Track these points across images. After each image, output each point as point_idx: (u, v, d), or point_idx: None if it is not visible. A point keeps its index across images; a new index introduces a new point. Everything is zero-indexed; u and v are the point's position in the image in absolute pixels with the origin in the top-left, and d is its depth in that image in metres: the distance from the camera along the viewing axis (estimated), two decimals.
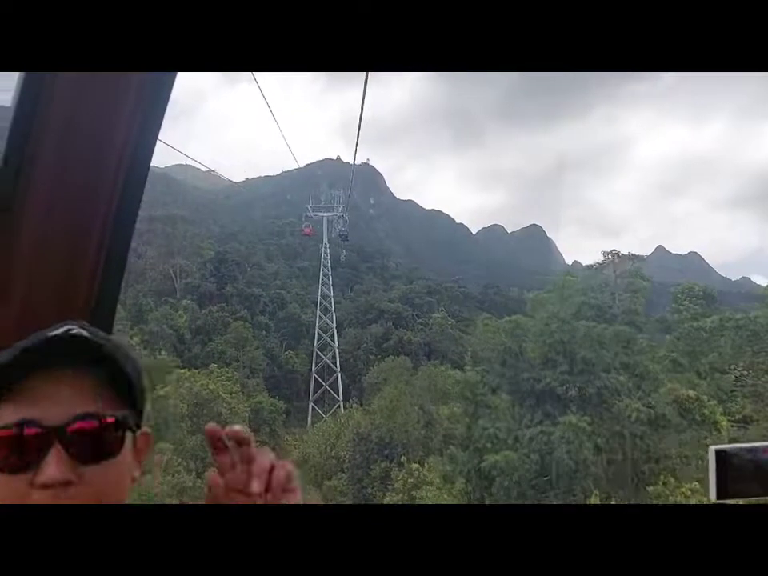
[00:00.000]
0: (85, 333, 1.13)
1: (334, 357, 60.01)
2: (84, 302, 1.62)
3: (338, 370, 58.61)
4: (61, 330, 1.12)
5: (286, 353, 59.80)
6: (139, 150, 1.66)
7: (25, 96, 1.51)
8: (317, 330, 61.75)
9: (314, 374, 58.91)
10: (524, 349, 30.89)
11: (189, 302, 58.72)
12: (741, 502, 2.23)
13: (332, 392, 57.87)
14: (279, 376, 57.43)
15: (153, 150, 1.74)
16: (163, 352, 46.00)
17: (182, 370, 40.58)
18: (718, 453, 2.34)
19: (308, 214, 76.57)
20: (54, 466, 1.03)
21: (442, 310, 71.66)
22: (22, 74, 1.50)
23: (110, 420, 1.10)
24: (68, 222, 1.59)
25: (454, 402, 35.93)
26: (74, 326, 1.14)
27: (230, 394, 38.76)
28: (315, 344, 60.83)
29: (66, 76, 1.50)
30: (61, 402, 1.07)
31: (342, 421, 41.59)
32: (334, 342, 60.88)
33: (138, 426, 1.16)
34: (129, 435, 1.13)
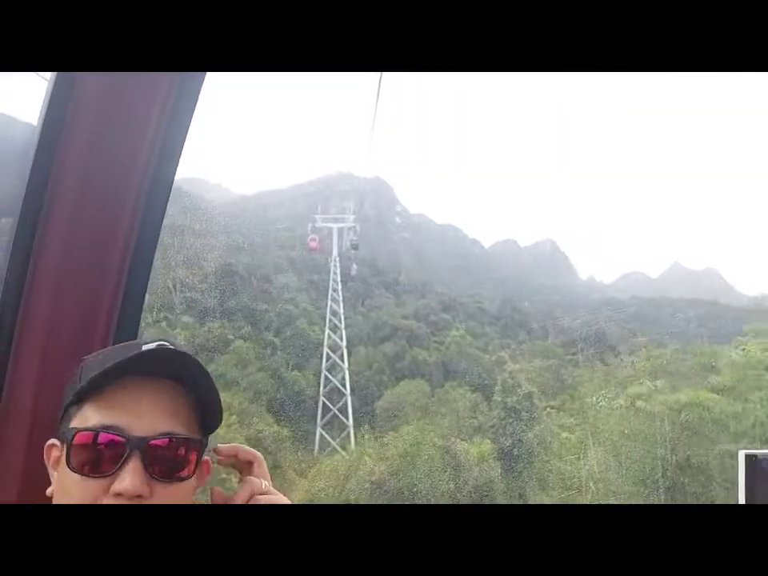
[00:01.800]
0: (177, 349, 1.16)
1: (343, 378, 54.14)
2: (107, 317, 1.61)
3: (348, 392, 52.70)
4: (154, 344, 1.16)
5: (293, 373, 53.98)
6: (162, 167, 1.65)
7: (51, 115, 1.51)
8: (325, 348, 55.88)
9: (323, 397, 53.04)
10: None
11: (188, 318, 53.16)
12: None
13: (341, 417, 51.93)
14: (285, 398, 51.62)
15: (176, 167, 1.70)
16: None
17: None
18: (748, 458, 2.32)
19: (315, 224, 70.97)
20: (131, 477, 1.05)
21: (460, 328, 65.70)
22: (48, 91, 1.52)
23: (190, 441, 1.13)
24: (91, 239, 1.61)
25: (482, 435, 30.68)
26: (167, 342, 1.18)
27: (227, 426, 33.18)
28: (324, 364, 54.96)
29: (90, 93, 1.52)
30: (145, 416, 1.10)
31: (354, 457, 35.65)
32: (343, 362, 55.00)
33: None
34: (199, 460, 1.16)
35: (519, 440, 35.09)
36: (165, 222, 1.82)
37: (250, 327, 54.68)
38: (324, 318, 60.70)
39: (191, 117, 1.70)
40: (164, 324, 49.89)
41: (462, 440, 33.64)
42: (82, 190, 1.59)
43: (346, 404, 52.37)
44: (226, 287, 60.20)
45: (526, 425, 37.58)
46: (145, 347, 1.14)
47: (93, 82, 1.53)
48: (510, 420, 38.34)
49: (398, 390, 47.92)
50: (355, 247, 70.06)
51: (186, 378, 1.14)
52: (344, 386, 53.52)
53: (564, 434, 38.51)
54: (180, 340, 50.24)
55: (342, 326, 58.99)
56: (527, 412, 39.54)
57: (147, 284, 1.75)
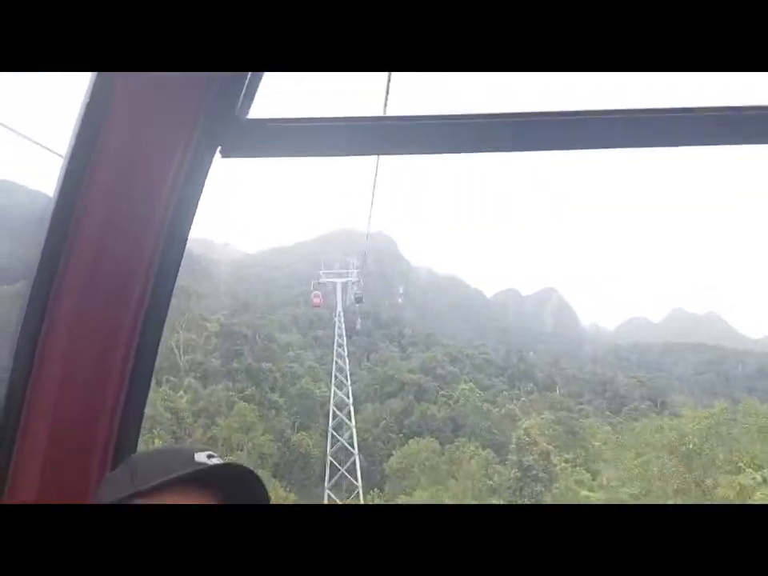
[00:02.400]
0: (226, 464, 1.19)
1: (351, 437, 51.96)
2: (119, 377, 1.64)
3: (356, 451, 50.45)
4: (204, 455, 1.19)
5: (299, 434, 51.93)
6: (176, 231, 1.68)
7: (69, 176, 1.57)
8: (331, 407, 53.95)
9: (330, 457, 50.75)
10: None
11: (192, 380, 51.62)
12: None
13: (350, 477, 49.57)
14: (290, 460, 49.53)
15: (188, 233, 1.74)
16: (157, 441, 38.70)
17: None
18: None
19: (320, 280, 69.13)
20: None
21: (469, 381, 63.84)
22: (70, 147, 1.58)
23: None
24: (105, 298, 1.64)
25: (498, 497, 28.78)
26: (215, 455, 1.22)
27: None
28: (330, 423, 52.92)
29: (109, 157, 1.59)
30: None
31: None
32: (350, 420, 52.92)
33: None
34: None
35: (538, 502, 33.04)
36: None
37: (254, 388, 53.05)
38: (329, 375, 58.99)
39: (204, 182, 1.74)
40: (167, 387, 48.29)
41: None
42: (96, 252, 1.62)
43: (354, 464, 50.14)
44: (230, 348, 58.86)
45: (544, 485, 35.62)
46: (197, 456, 1.17)
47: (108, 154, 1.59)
48: (528, 480, 36.41)
49: (407, 449, 45.94)
50: (359, 300, 68.95)
51: (239, 494, 1.15)
52: (351, 445, 51.38)
53: (583, 492, 36.34)
54: (184, 402, 48.74)
55: (348, 382, 57.19)
56: (544, 471, 37.58)
57: (159, 344, 1.77)
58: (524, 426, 41.71)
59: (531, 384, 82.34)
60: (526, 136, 1.71)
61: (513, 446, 38.88)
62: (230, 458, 43.45)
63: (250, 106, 1.78)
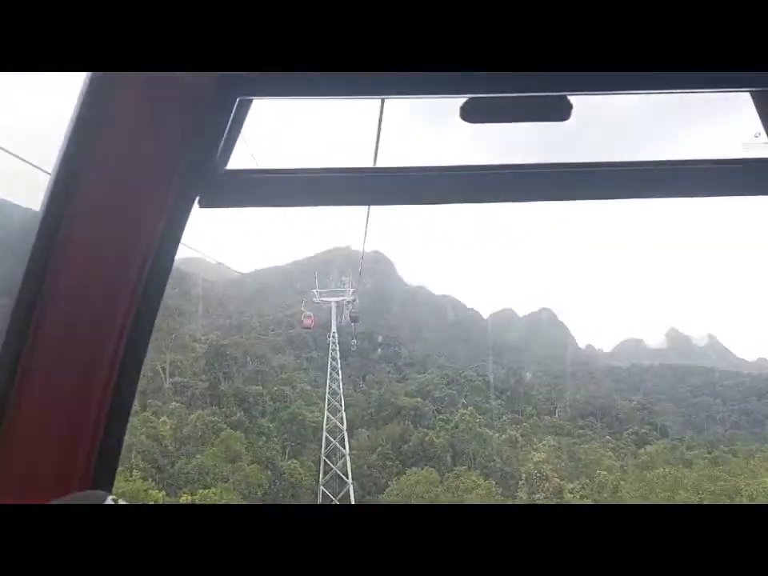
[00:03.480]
0: None
1: (344, 465, 48.15)
2: (101, 398, 1.62)
3: (350, 480, 46.63)
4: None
5: (289, 462, 48.11)
6: (160, 260, 1.70)
7: (53, 199, 1.56)
8: (324, 433, 50.13)
9: (322, 486, 46.93)
10: None
11: (176, 404, 47.82)
12: None
13: None
14: (280, 490, 45.74)
15: (171, 263, 1.77)
16: (135, 471, 34.96)
17: (158, 494, 29.75)
18: None
19: (314, 299, 64.28)
20: None
21: (469, 406, 60.14)
22: (53, 175, 1.57)
23: None
24: (89, 319, 1.63)
25: None
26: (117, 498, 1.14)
27: None
28: (323, 451, 49.10)
29: (93, 189, 1.59)
30: None
31: None
32: (344, 448, 49.13)
33: None
34: None
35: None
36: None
37: (242, 413, 49.30)
38: (323, 398, 55.12)
39: (183, 229, 1.74)
40: (149, 413, 44.53)
41: None
42: (82, 270, 1.61)
43: (348, 493, 46.29)
44: (218, 370, 55.18)
45: None
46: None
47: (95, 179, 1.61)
48: None
49: (404, 480, 42.33)
50: (355, 320, 65.42)
51: None
52: (345, 473, 47.57)
53: None
54: (167, 428, 44.99)
55: (342, 407, 53.34)
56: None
57: (140, 369, 1.77)
58: (535, 459, 38.20)
59: (530, 407, 79.10)
60: (516, 186, 1.74)
61: (522, 481, 35.52)
62: (216, 488, 39.95)
63: (228, 157, 1.80)
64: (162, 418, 44.72)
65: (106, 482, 1.63)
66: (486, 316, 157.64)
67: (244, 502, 38.64)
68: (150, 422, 43.06)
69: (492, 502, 37.29)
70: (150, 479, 35.56)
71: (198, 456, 41.29)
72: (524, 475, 35.92)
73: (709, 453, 63.65)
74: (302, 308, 64.42)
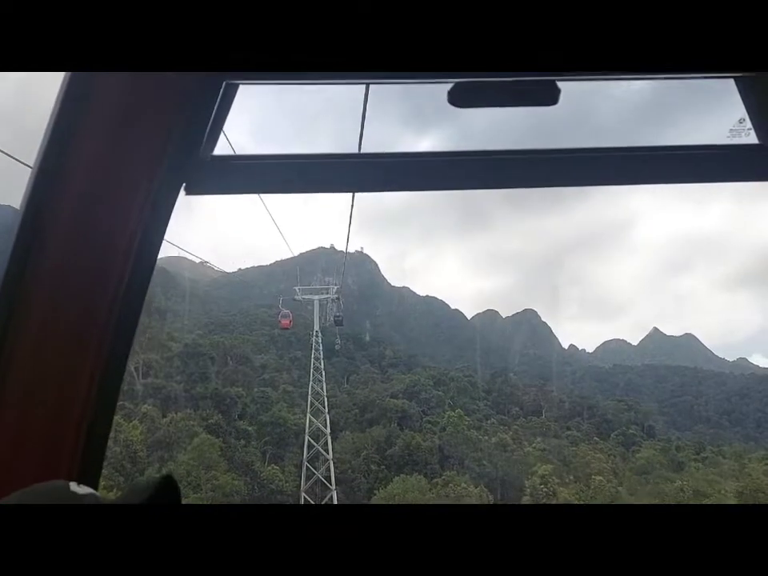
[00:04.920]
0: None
1: (328, 470, 44.66)
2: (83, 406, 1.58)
3: (334, 486, 43.17)
4: (78, 488, 1.06)
5: (269, 467, 44.53)
6: (145, 250, 1.65)
7: (36, 192, 1.54)
8: (306, 436, 46.52)
9: (304, 493, 43.41)
10: None
11: (149, 406, 43.95)
12: None
13: None
14: (260, 498, 42.19)
15: (157, 253, 1.72)
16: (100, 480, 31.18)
17: None
18: None
19: (295, 297, 59.06)
20: None
21: (456, 408, 56.97)
22: (36, 166, 1.55)
23: None
24: (71, 320, 1.59)
25: None
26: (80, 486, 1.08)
27: None
28: (305, 456, 45.53)
29: (77, 178, 1.57)
30: None
31: None
32: (328, 453, 45.59)
33: None
34: None
35: None
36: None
37: (220, 415, 45.60)
38: (306, 399, 51.37)
39: (168, 217, 1.70)
40: (119, 416, 40.78)
41: None
42: (66, 259, 1.57)
43: (331, 500, 42.88)
44: (195, 370, 51.42)
45: None
46: (75, 489, 1.04)
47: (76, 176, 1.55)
48: None
49: (391, 488, 39.10)
50: (339, 323, 61.89)
51: None
52: (329, 479, 44.11)
53: None
54: (137, 433, 41.36)
55: (326, 409, 49.75)
56: None
57: (125, 365, 1.71)
58: (539, 472, 35.11)
59: (517, 408, 76.59)
60: (503, 172, 1.72)
61: (527, 496, 32.51)
62: (188, 498, 36.29)
63: (215, 144, 1.76)
64: (133, 422, 40.91)
65: (91, 477, 1.56)
66: (470, 317, 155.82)
67: None
68: (119, 425, 39.26)
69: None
70: (115, 488, 31.84)
71: (170, 463, 37.60)
72: (517, 481, 32.92)
73: (697, 454, 61.81)
74: (280, 306, 59.97)
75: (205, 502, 34.70)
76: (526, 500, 33.44)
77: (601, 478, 41.95)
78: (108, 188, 1.58)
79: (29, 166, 1.58)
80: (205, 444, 39.05)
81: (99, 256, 1.58)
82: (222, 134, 1.78)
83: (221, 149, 1.80)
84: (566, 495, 33.47)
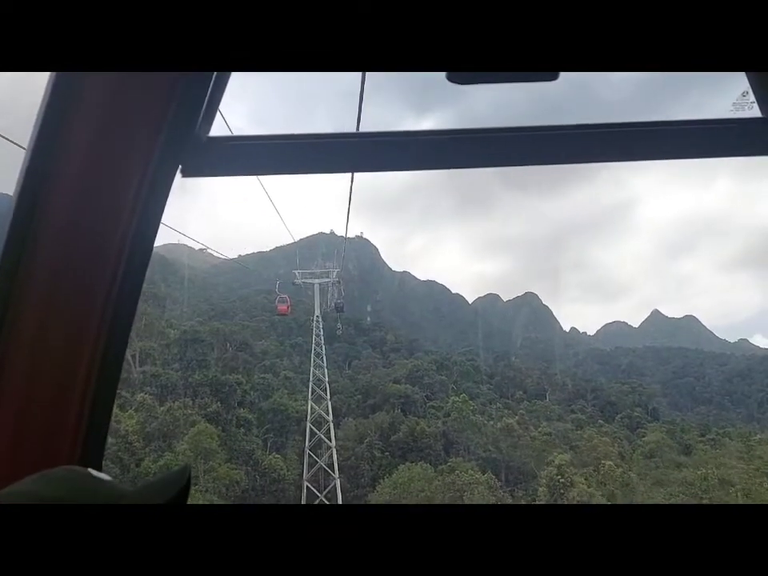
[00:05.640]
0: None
1: (330, 458, 43.07)
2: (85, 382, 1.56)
3: (337, 475, 41.66)
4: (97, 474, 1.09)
5: (270, 456, 42.99)
6: (142, 234, 1.63)
7: (30, 176, 1.52)
8: (308, 423, 44.90)
9: (306, 482, 41.92)
10: None
11: (145, 395, 42.22)
12: None
13: (329, 504, 40.78)
14: (260, 487, 40.72)
15: (154, 237, 1.70)
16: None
17: None
18: None
19: (294, 281, 55.88)
20: None
21: (461, 393, 55.32)
22: (29, 150, 1.54)
23: None
24: (68, 309, 1.57)
25: None
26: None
27: None
28: (307, 443, 43.94)
29: (71, 162, 1.54)
30: None
31: None
32: (330, 440, 43.99)
33: None
34: None
35: None
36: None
37: (219, 404, 43.90)
38: (307, 386, 49.48)
39: (165, 200, 1.68)
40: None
41: None
42: (62, 244, 1.54)
43: (334, 489, 41.37)
44: (194, 357, 49.64)
45: None
46: (97, 474, 1.08)
47: (70, 159, 1.52)
48: None
49: (396, 476, 37.50)
50: (340, 309, 59.99)
51: None
52: (331, 467, 42.57)
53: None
54: (133, 422, 39.71)
55: (328, 396, 48.01)
56: None
57: (124, 351, 1.68)
58: (556, 461, 33.35)
59: (520, 392, 75.24)
60: (503, 150, 1.70)
61: (542, 488, 30.86)
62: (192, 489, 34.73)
63: (210, 125, 1.73)
64: (129, 411, 39.22)
65: (93, 466, 1.41)
66: (471, 300, 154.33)
67: (221, 501, 33.70)
68: (114, 416, 37.60)
69: (494, 500, 32.87)
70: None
71: (167, 454, 35.98)
72: (524, 467, 31.36)
73: (702, 435, 60.56)
74: (277, 290, 54.95)
75: (204, 493, 33.17)
76: (541, 491, 31.75)
77: (611, 463, 40.42)
78: (103, 171, 1.54)
79: (23, 148, 1.53)
80: (201, 436, 37.27)
81: (96, 240, 1.54)
82: (218, 114, 1.74)
83: (218, 130, 1.76)
84: (584, 487, 31.80)
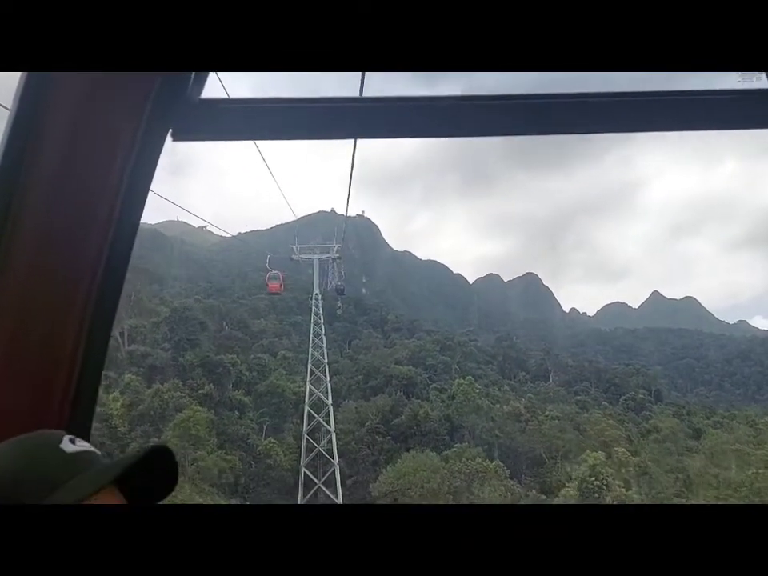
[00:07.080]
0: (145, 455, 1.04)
1: (329, 442, 39.90)
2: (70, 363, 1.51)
3: (336, 460, 38.51)
4: (69, 444, 1.05)
5: (266, 441, 39.84)
6: (130, 204, 1.57)
7: (13, 141, 1.46)
8: (306, 407, 41.63)
9: (304, 468, 38.82)
10: None
11: (133, 375, 38.86)
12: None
13: (327, 492, 37.67)
14: (255, 474, 37.70)
15: (143, 204, 1.63)
16: None
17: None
18: None
19: (292, 256, 48.74)
20: None
21: (467, 375, 52.03)
22: (10, 120, 1.48)
23: None
24: (53, 280, 1.51)
25: None
26: (75, 438, 1.07)
27: None
28: (305, 428, 40.71)
29: (57, 125, 1.48)
30: None
31: None
32: (329, 424, 40.72)
33: None
34: None
35: None
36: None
37: (212, 385, 40.63)
38: (306, 366, 45.99)
39: (155, 165, 1.62)
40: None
41: None
42: (41, 235, 1.47)
43: (333, 475, 38.28)
44: (188, 336, 46.22)
45: None
46: (66, 447, 1.03)
47: (55, 128, 1.46)
48: None
49: (400, 466, 34.46)
50: (341, 292, 56.34)
51: None
52: (330, 452, 39.44)
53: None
54: (118, 405, 36.57)
55: (327, 378, 44.62)
56: None
57: (110, 329, 1.60)
58: (590, 461, 30.02)
59: (523, 373, 72.40)
60: (509, 118, 1.66)
61: (572, 490, 27.74)
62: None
63: (202, 86, 1.64)
64: (114, 393, 35.93)
65: (83, 430, 1.48)
66: (471, 281, 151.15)
67: (212, 490, 30.71)
68: (99, 399, 34.30)
69: (509, 497, 29.84)
70: None
71: (153, 439, 32.78)
72: (531, 453, 28.29)
73: (708, 418, 57.93)
74: (267, 265, 48.01)
75: (197, 481, 30.07)
76: (572, 493, 28.64)
77: (623, 449, 37.35)
78: (89, 134, 1.46)
79: (6, 108, 1.45)
80: (189, 423, 33.93)
81: (83, 207, 1.47)
82: (214, 75, 1.66)
83: (211, 91, 1.65)
84: (620, 489, 28.70)
